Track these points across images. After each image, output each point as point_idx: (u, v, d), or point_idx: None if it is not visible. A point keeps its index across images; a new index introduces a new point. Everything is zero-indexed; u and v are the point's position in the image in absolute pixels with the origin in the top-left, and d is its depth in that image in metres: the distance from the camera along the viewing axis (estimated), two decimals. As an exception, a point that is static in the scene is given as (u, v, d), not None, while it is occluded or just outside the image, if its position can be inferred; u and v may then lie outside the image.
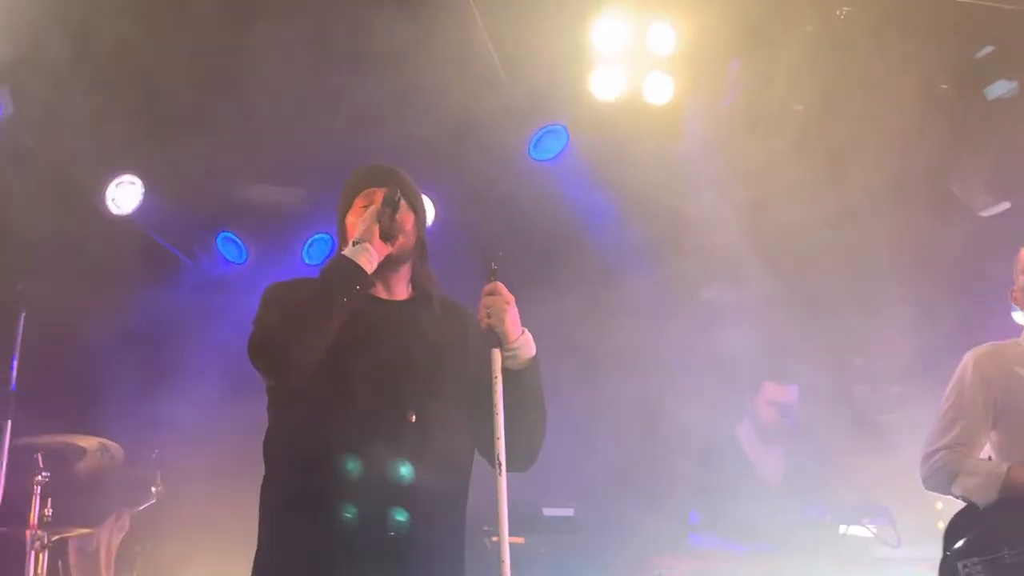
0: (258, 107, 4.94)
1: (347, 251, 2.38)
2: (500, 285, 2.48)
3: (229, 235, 5.91)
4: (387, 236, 2.42)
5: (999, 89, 4.90)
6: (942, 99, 4.98)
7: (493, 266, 2.51)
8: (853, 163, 5.26)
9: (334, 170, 5.31)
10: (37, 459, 4.71)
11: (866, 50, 4.76)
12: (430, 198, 4.11)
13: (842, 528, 4.73)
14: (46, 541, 4.76)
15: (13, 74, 4.97)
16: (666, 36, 4.78)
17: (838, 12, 4.63)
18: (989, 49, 4.80)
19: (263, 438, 2.50)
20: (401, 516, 2.33)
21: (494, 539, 2.58)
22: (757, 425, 5.18)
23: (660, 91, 4.90)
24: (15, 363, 4.77)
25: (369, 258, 2.34)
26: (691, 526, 5.12)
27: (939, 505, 4.99)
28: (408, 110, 4.94)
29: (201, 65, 4.88)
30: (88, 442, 4.98)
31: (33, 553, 4.72)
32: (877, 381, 5.97)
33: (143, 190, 5.43)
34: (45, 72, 4.67)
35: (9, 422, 4.52)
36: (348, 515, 2.32)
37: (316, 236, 5.90)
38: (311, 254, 5.92)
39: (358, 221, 2.49)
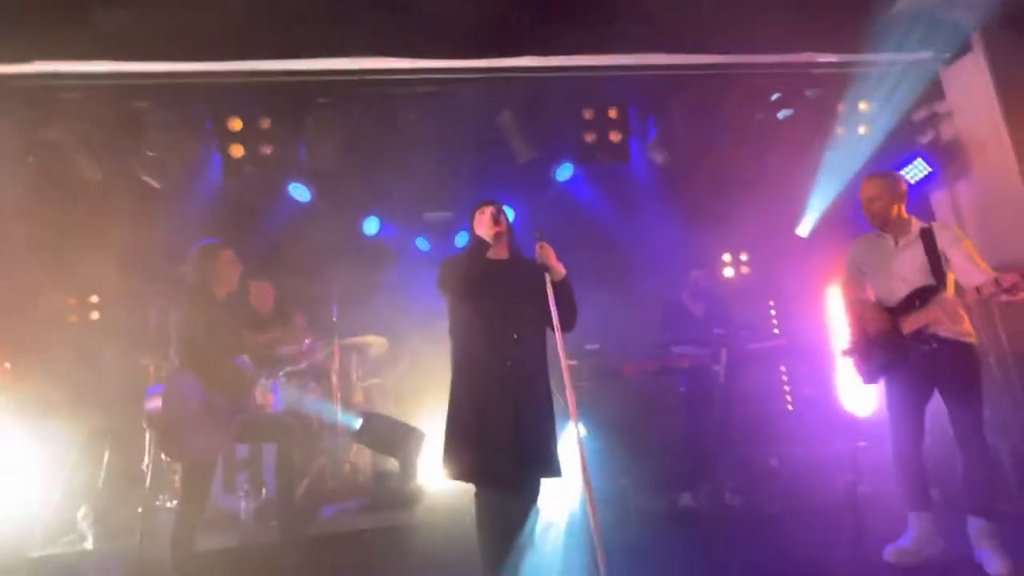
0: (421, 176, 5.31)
1: (479, 233, 2.92)
2: (544, 243, 2.91)
3: (422, 239, 6.38)
4: (496, 222, 2.89)
5: None
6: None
7: (539, 234, 2.94)
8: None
9: (463, 203, 5.14)
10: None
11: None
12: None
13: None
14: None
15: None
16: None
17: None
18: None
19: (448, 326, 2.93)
20: (512, 359, 2.77)
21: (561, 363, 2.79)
22: (690, 290, 5.43)
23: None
24: (335, 309, 5.29)
25: (487, 235, 2.88)
26: (665, 340, 5.25)
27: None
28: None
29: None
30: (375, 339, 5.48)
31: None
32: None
33: (380, 222, 6.08)
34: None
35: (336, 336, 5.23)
36: (482, 351, 2.78)
37: (461, 233, 6.18)
38: (459, 242, 6.16)
39: (482, 220, 2.94)
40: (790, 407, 5.59)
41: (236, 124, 4.51)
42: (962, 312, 3.19)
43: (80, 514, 4.14)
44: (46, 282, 5.19)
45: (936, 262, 3.19)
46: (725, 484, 4.65)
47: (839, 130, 4.85)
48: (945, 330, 3.15)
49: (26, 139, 4.23)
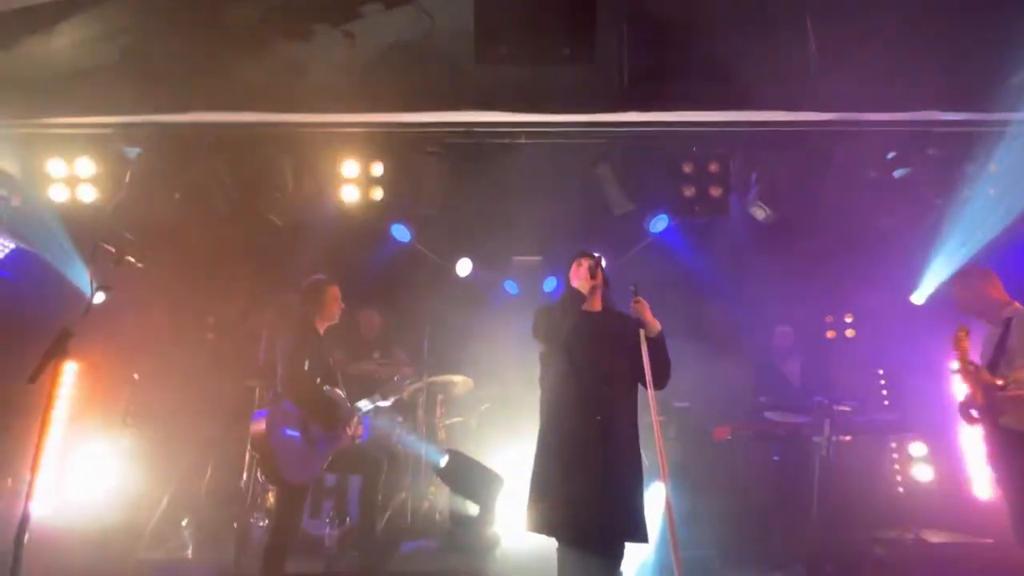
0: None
1: (575, 285, 2.94)
2: (640, 298, 2.88)
3: (511, 282, 6.47)
4: (593, 276, 2.92)
5: None
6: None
7: (633, 288, 2.92)
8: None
9: (553, 249, 5.91)
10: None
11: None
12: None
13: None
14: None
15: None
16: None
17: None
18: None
19: (539, 375, 2.95)
20: (602, 414, 2.73)
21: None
22: (775, 348, 5.34)
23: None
24: (426, 347, 5.48)
25: (583, 288, 2.90)
26: (759, 403, 5.10)
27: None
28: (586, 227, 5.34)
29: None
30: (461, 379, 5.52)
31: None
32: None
33: (472, 265, 6.18)
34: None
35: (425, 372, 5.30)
36: (573, 404, 2.76)
37: (549, 278, 6.28)
38: (547, 287, 6.28)
39: (578, 272, 2.97)
40: (900, 489, 5.05)
41: (352, 169, 4.85)
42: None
43: (184, 523, 4.44)
44: (173, 304, 5.73)
45: (996, 352, 3.34)
46: (823, 568, 4.29)
47: (966, 192, 4.50)
48: (1011, 420, 3.23)
49: (175, 178, 4.79)
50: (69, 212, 4.84)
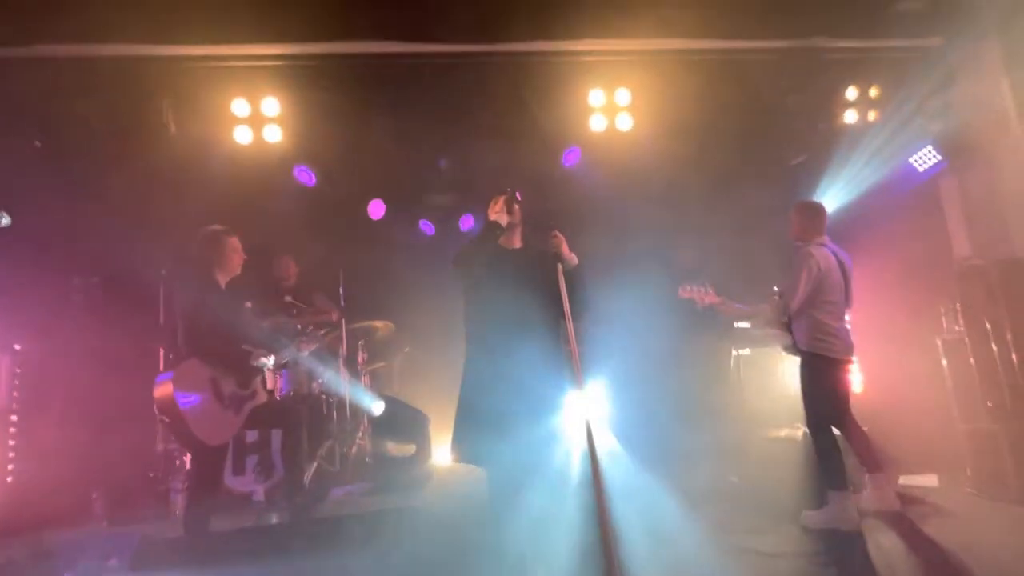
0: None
1: (492, 218, 2.91)
2: (557, 232, 2.96)
3: (426, 222, 6.29)
4: (510, 211, 2.93)
5: None
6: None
7: (550, 223, 3.00)
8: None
9: (474, 188, 5.69)
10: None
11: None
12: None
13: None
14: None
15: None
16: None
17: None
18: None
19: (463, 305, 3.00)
20: (517, 340, 2.77)
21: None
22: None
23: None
24: (342, 293, 5.38)
25: (502, 222, 2.91)
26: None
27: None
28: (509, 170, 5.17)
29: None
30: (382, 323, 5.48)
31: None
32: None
33: (385, 207, 5.91)
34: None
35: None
36: (495, 336, 2.84)
37: (465, 216, 6.18)
38: (463, 226, 6.19)
39: (495, 208, 2.97)
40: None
41: (242, 108, 4.49)
42: (796, 324, 3.75)
43: (94, 496, 4.22)
44: (53, 266, 5.18)
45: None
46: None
47: (848, 119, 4.77)
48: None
49: (33, 124, 4.22)
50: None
